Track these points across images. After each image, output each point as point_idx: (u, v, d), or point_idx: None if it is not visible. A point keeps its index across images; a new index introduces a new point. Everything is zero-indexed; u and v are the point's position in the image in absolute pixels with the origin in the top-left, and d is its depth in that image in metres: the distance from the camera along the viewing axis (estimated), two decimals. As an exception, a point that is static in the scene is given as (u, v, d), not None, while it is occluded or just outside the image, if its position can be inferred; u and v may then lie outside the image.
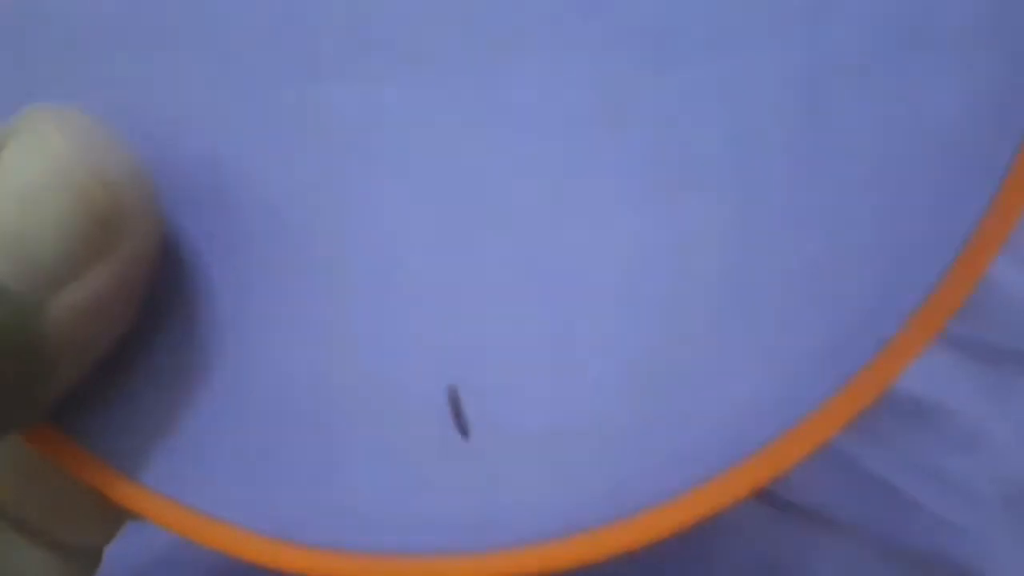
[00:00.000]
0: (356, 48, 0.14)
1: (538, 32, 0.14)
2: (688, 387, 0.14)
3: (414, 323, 0.14)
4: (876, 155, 0.13)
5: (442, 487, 0.14)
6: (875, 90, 0.13)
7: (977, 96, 0.13)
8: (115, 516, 0.16)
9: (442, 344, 0.14)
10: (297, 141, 0.14)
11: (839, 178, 0.14)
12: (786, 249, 0.14)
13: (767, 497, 0.24)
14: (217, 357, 0.15)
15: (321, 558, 0.15)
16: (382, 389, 0.14)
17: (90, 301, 0.13)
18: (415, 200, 0.14)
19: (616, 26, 0.14)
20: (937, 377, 0.25)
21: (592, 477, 0.14)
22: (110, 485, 0.15)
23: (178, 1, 0.14)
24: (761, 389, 0.14)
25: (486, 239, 0.14)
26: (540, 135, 0.14)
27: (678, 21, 0.13)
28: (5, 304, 0.12)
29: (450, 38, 0.14)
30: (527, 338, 0.14)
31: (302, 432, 0.14)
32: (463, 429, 0.14)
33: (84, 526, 0.16)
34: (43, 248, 0.12)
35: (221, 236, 0.14)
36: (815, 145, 0.14)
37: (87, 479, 0.15)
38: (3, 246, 0.12)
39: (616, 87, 0.14)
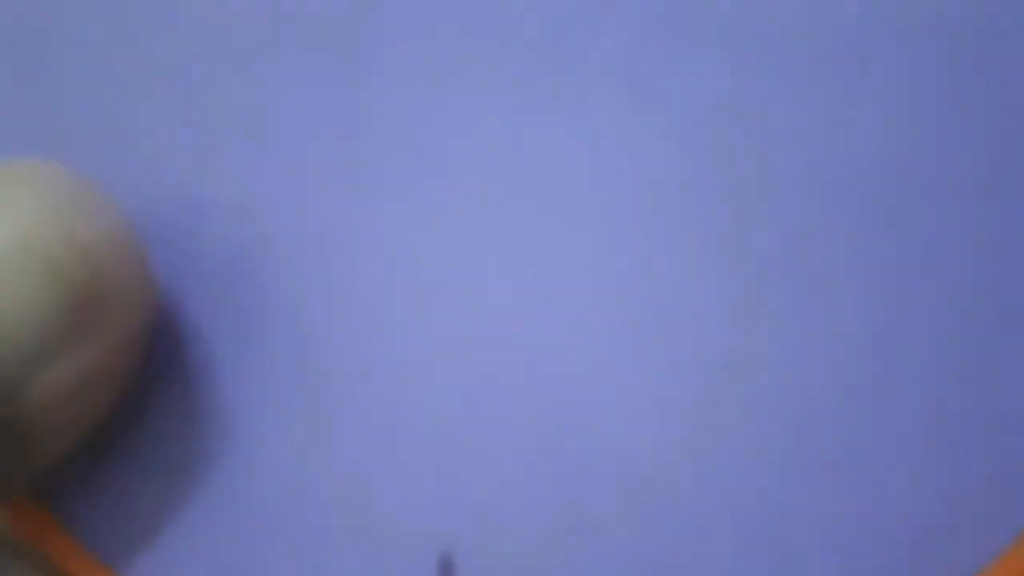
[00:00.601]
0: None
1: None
2: None
3: (417, 477, 0.13)
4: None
5: None
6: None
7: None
8: None
9: (440, 504, 0.13)
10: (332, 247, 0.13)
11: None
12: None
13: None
14: (211, 459, 0.13)
15: None
16: (369, 533, 0.13)
17: (73, 382, 0.12)
18: (451, 353, 0.13)
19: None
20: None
21: None
22: (77, 566, 0.14)
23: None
24: None
25: (510, 397, 0.13)
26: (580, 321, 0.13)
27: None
28: None
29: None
30: (532, 517, 0.13)
31: (281, 558, 0.13)
32: None
33: None
34: (17, 326, 0.11)
35: (236, 332, 0.13)
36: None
37: (64, 563, 0.14)
38: None
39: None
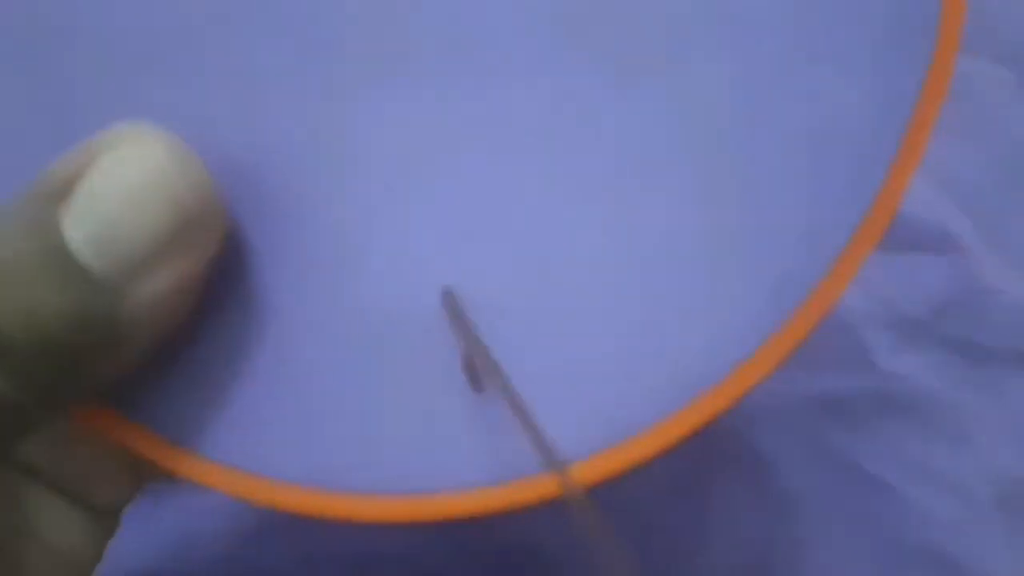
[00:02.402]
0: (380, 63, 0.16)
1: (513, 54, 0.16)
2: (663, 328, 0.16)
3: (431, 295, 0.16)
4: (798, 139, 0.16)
5: (457, 437, 0.16)
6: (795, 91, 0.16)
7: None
8: (138, 479, 0.18)
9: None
10: (317, 151, 0.16)
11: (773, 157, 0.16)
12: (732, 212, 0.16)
13: (760, 491, 0.25)
14: (258, 331, 0.16)
15: (356, 503, 0.16)
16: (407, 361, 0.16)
17: (165, 293, 0.15)
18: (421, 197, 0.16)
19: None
20: (930, 375, 0.26)
21: (579, 412, 0.16)
22: (163, 455, 0.16)
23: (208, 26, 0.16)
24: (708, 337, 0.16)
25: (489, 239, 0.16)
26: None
27: (635, 44, 0.16)
28: (88, 287, 0.14)
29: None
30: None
31: (335, 397, 0.16)
32: (477, 387, 0.16)
33: (110, 487, 0.18)
34: (133, 243, 0.14)
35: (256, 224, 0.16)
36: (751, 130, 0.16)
37: (138, 449, 0.16)
38: (95, 236, 0.14)
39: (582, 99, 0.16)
